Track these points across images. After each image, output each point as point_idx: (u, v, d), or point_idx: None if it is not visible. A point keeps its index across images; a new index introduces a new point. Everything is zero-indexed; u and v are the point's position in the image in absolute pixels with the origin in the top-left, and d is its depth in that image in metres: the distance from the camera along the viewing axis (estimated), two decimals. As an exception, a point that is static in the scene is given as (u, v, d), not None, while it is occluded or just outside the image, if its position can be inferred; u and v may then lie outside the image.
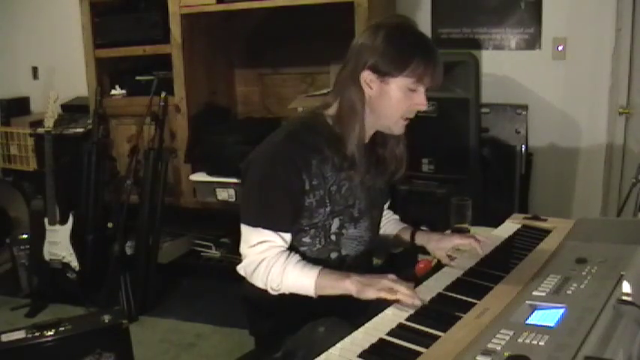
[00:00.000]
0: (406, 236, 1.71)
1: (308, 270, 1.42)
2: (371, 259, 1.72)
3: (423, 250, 1.74)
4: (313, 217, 1.47)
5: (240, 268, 1.50)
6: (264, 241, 1.44)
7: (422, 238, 1.68)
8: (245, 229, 1.47)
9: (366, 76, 1.43)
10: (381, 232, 1.76)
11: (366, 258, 1.64)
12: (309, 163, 1.44)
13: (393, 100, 1.43)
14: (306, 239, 1.49)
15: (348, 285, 1.36)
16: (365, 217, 1.57)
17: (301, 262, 1.44)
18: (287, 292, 1.43)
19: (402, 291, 1.29)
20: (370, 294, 1.33)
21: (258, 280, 1.45)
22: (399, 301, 1.30)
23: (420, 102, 1.45)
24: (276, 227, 1.44)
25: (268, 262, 1.43)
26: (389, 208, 1.80)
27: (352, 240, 1.55)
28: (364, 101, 1.45)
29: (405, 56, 1.40)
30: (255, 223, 1.44)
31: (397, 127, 1.49)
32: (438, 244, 1.63)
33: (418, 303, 1.29)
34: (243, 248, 1.48)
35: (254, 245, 1.45)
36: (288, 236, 1.46)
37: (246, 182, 1.50)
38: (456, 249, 1.62)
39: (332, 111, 1.51)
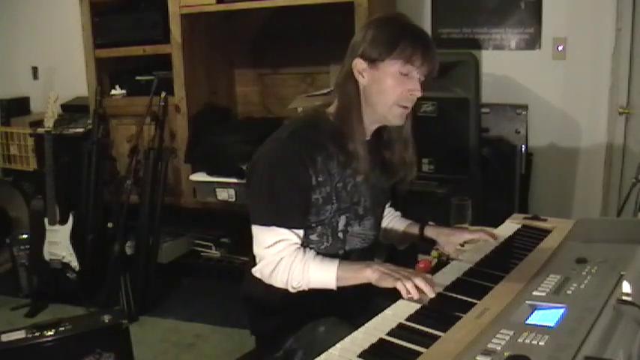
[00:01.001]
0: (414, 231, 1.72)
1: (328, 264, 1.42)
2: (372, 257, 1.73)
3: (424, 250, 1.74)
4: (320, 214, 1.47)
5: (257, 271, 1.47)
6: (281, 240, 1.43)
7: (432, 232, 1.69)
8: (258, 229, 1.45)
9: (358, 64, 1.43)
10: (388, 227, 1.77)
11: (368, 255, 1.64)
12: (314, 159, 1.44)
13: (385, 86, 1.42)
14: (314, 237, 1.49)
15: (368, 274, 1.38)
16: (370, 215, 1.58)
17: (318, 256, 1.45)
18: (307, 289, 1.43)
19: (418, 283, 1.30)
20: (388, 283, 1.34)
21: (278, 281, 1.44)
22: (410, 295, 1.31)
23: (412, 88, 1.43)
24: (289, 224, 1.43)
25: (287, 260, 1.42)
26: (391, 206, 1.80)
27: (356, 237, 1.55)
28: (359, 92, 1.45)
29: (393, 39, 1.40)
30: (268, 223, 1.43)
31: (393, 116, 1.47)
32: (449, 239, 1.64)
33: (432, 295, 1.31)
34: (258, 250, 1.46)
35: (271, 245, 1.43)
36: (301, 232, 1.46)
37: (254, 182, 1.48)
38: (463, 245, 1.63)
39: (333, 109, 1.51)
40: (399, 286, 1.31)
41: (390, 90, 1.43)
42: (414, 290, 1.30)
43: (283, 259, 1.42)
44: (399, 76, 1.41)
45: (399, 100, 1.44)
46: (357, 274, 1.40)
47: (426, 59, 1.41)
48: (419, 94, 1.44)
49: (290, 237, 1.43)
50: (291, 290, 1.44)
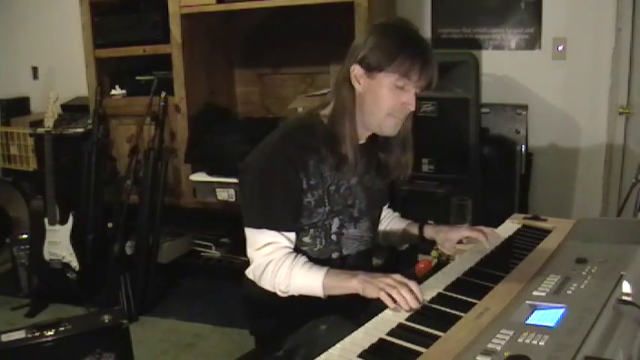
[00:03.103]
0: (414, 231, 1.71)
1: (315, 271, 1.41)
2: (371, 258, 1.73)
3: (424, 250, 1.74)
4: (312, 217, 1.48)
5: (249, 272, 1.49)
6: (270, 243, 1.43)
7: (431, 231, 1.68)
8: (249, 232, 1.46)
9: (356, 71, 1.42)
10: (387, 228, 1.76)
11: (366, 258, 1.64)
12: (305, 162, 1.45)
13: (380, 96, 1.41)
14: (307, 239, 1.49)
15: (354, 284, 1.36)
16: (365, 217, 1.57)
17: (308, 263, 1.44)
18: (296, 294, 1.43)
19: (403, 294, 1.27)
20: (373, 293, 1.32)
21: (266, 283, 1.45)
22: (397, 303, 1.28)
23: (407, 101, 1.42)
24: (280, 227, 1.43)
25: (275, 264, 1.42)
26: (389, 207, 1.80)
27: (353, 240, 1.55)
28: (354, 98, 1.44)
29: (392, 51, 1.38)
30: (258, 225, 1.44)
31: (387, 126, 1.46)
32: (447, 236, 1.64)
33: (417, 307, 1.27)
34: (250, 252, 1.47)
35: (260, 248, 1.44)
36: (292, 235, 1.46)
37: (245, 185, 1.49)
38: (462, 243, 1.62)
39: (327, 111, 1.51)
40: (383, 296, 1.28)
41: (384, 101, 1.41)
42: (400, 298, 1.26)
43: (271, 262, 1.43)
44: (395, 88, 1.40)
45: (392, 111, 1.43)
46: (343, 283, 1.38)
47: (423, 74, 1.39)
48: (412, 108, 1.43)
49: (280, 240, 1.44)
50: (280, 294, 1.44)
